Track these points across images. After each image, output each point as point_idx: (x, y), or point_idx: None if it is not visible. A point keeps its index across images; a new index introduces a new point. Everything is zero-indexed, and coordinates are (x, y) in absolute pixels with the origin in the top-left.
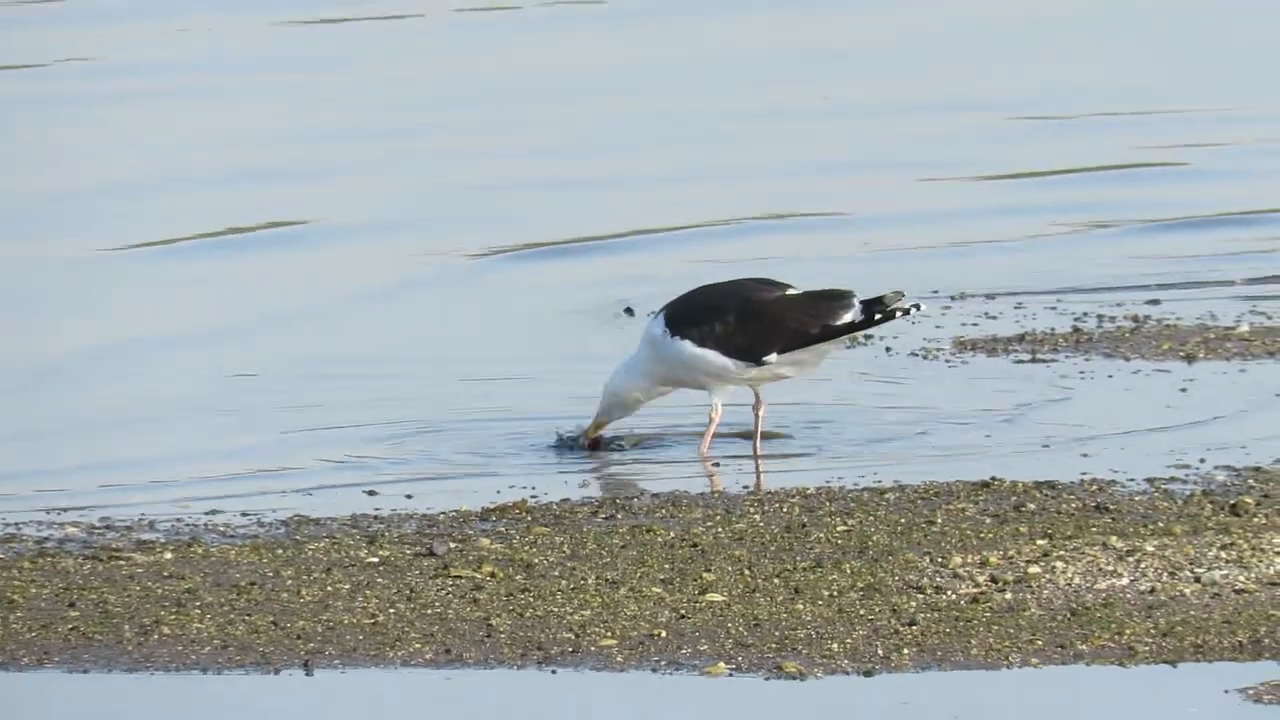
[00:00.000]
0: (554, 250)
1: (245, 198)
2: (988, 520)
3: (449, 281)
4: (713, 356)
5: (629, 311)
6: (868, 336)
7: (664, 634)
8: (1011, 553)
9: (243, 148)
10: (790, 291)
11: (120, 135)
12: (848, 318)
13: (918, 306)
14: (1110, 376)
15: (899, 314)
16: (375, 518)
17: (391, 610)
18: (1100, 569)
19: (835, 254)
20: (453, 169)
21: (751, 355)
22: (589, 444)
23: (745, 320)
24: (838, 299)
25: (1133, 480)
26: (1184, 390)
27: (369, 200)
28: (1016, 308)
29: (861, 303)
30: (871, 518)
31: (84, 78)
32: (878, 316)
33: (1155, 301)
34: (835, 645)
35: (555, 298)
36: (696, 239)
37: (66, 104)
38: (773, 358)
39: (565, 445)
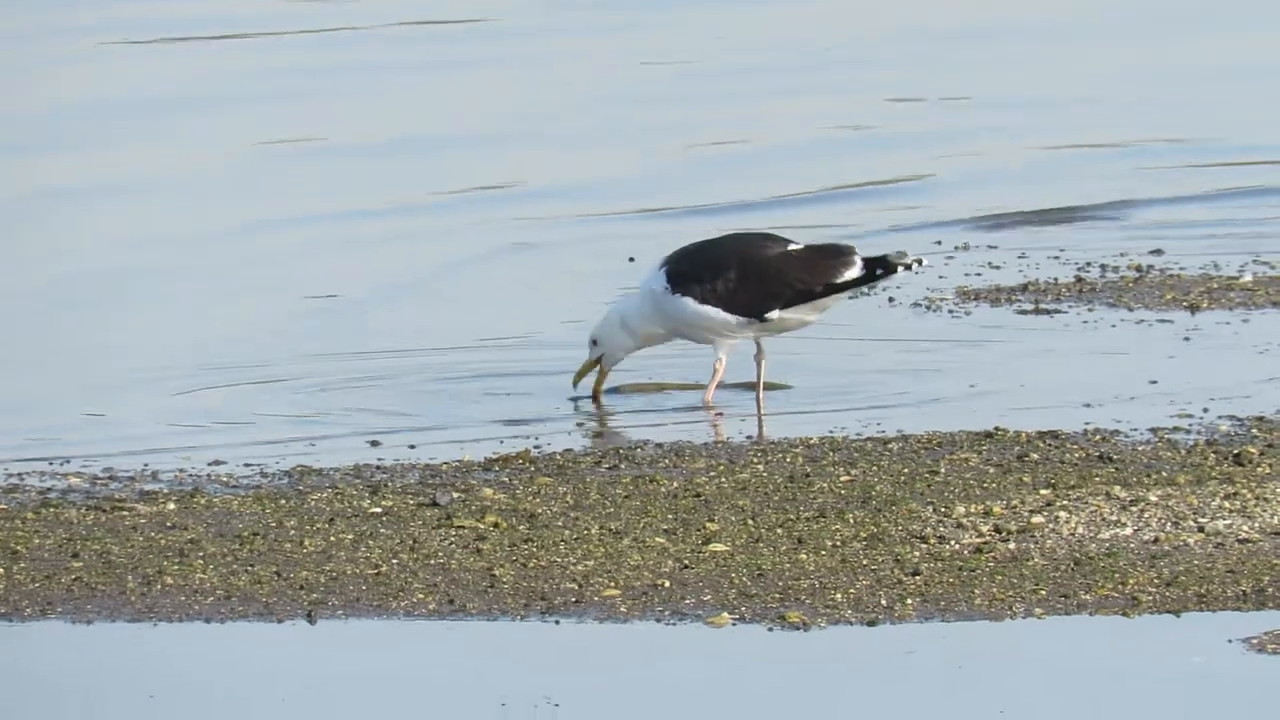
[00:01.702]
0: (565, 220)
1: (276, 167)
2: (991, 470)
3: (455, 240)
4: (714, 313)
5: (632, 260)
6: (870, 289)
7: (667, 584)
8: (1015, 502)
9: (275, 114)
10: (792, 247)
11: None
12: (850, 274)
13: (920, 261)
14: (1113, 326)
15: (901, 269)
16: (378, 468)
17: (395, 560)
18: (1104, 519)
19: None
20: (467, 146)
21: (754, 311)
22: (594, 397)
23: (747, 276)
24: (840, 255)
25: (1136, 430)
26: (1187, 340)
27: (386, 164)
28: (1020, 257)
29: (863, 259)
30: (875, 467)
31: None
32: (879, 273)
33: (1159, 251)
34: (839, 595)
35: (562, 256)
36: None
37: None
38: (775, 314)
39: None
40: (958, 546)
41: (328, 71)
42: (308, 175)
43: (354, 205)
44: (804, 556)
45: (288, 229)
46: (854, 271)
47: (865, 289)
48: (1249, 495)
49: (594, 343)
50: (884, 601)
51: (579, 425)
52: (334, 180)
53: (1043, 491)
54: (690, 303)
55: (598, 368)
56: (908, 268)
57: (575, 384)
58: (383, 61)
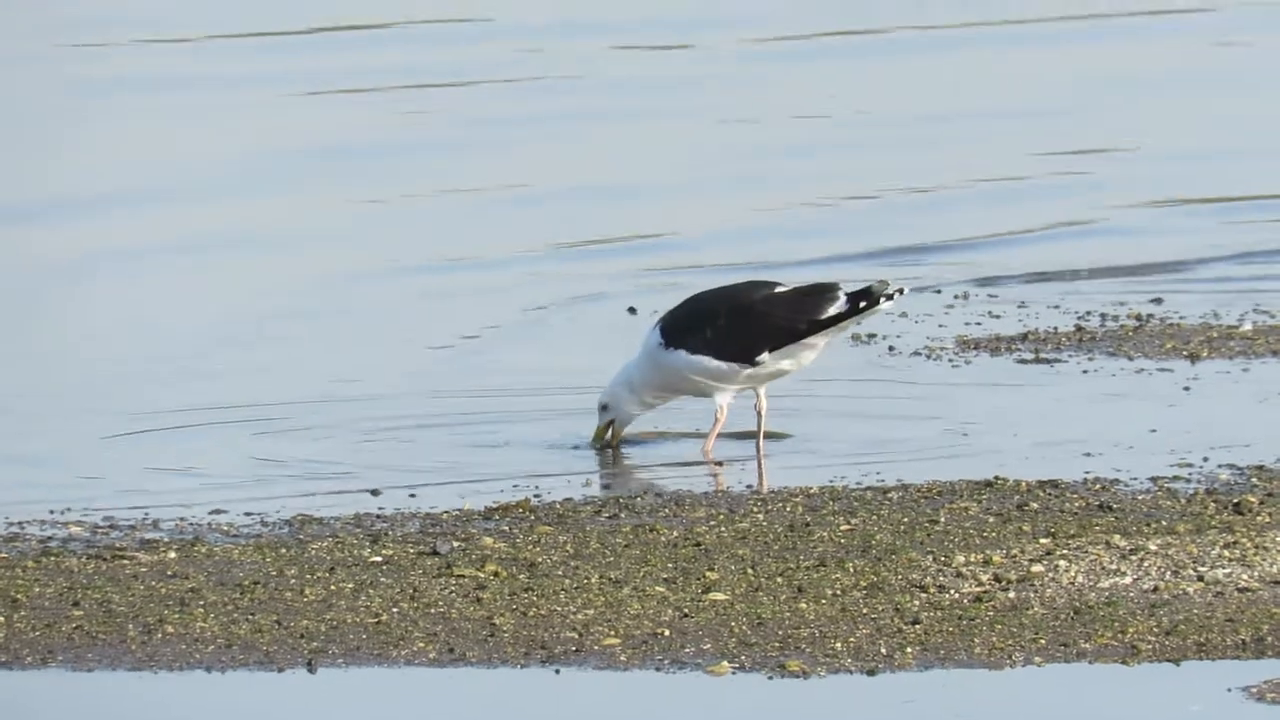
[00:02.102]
0: (564, 252)
1: (262, 199)
2: (991, 519)
3: (452, 282)
4: (708, 362)
5: (632, 311)
6: (870, 335)
7: (667, 633)
8: (1015, 551)
9: (268, 150)
10: (778, 289)
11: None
12: (833, 310)
13: (901, 291)
14: (1113, 375)
15: (883, 300)
16: (378, 517)
17: (395, 609)
18: (1103, 568)
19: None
20: (457, 174)
21: (744, 357)
22: (612, 446)
23: (734, 323)
24: (822, 292)
25: (1136, 479)
26: (1187, 389)
27: (381, 205)
28: (1019, 306)
29: (847, 295)
30: (875, 517)
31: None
32: (863, 305)
33: (1158, 300)
34: (838, 644)
35: (561, 299)
36: (705, 243)
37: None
38: (765, 357)
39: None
40: (957, 595)
41: (518, 121)
42: (442, 222)
43: (444, 256)
44: (804, 605)
45: (343, 279)
46: (838, 307)
47: (852, 324)
48: (1249, 544)
49: (603, 408)
50: (884, 650)
51: (579, 474)
52: (460, 229)
53: (1042, 540)
54: (684, 355)
55: (610, 430)
56: (889, 297)
57: (594, 446)
58: (575, 109)
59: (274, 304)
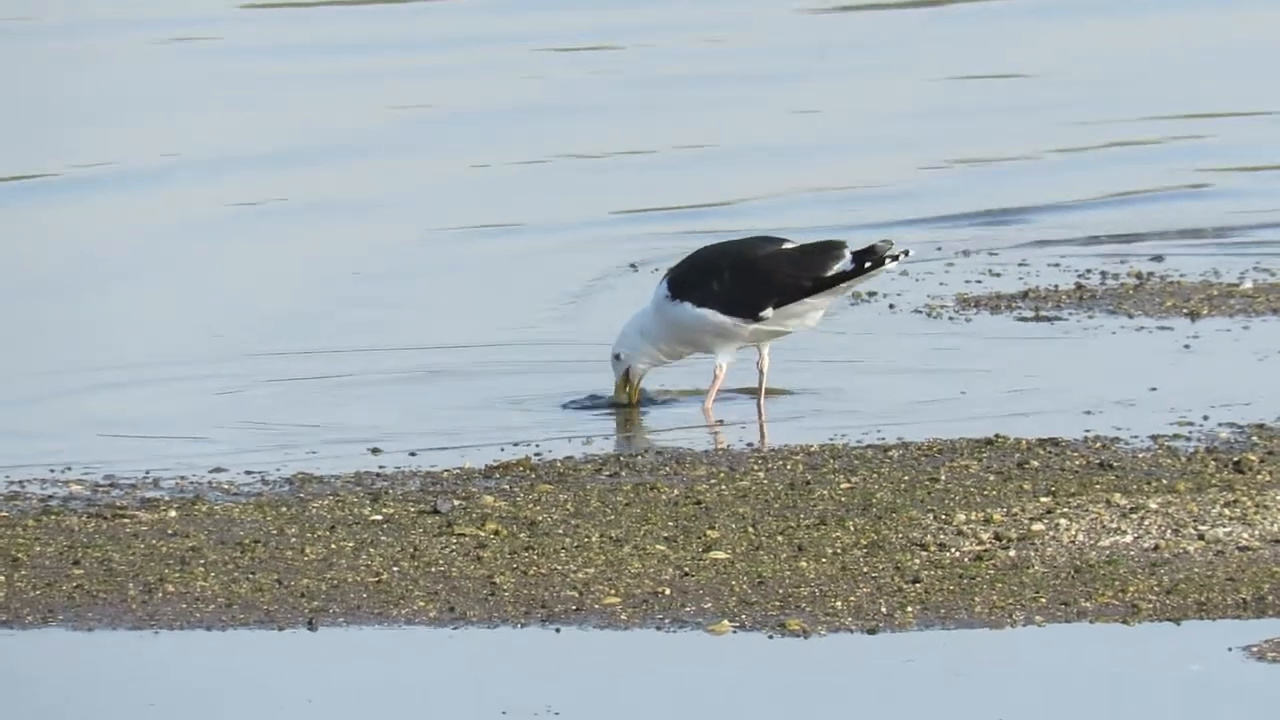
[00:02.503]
0: (567, 223)
1: (259, 166)
2: (991, 477)
3: (454, 244)
4: (712, 316)
5: (633, 267)
6: (870, 293)
7: (668, 592)
8: (1015, 510)
9: (267, 121)
10: (784, 246)
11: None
12: (838, 268)
13: (906, 253)
14: (1114, 333)
15: (889, 261)
16: (379, 475)
17: (395, 568)
18: (1104, 526)
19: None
20: (463, 142)
21: (748, 311)
22: (631, 404)
23: (739, 277)
24: (828, 250)
25: (1136, 437)
26: (1187, 347)
27: (384, 172)
28: (1020, 264)
29: (852, 253)
30: (875, 475)
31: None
32: (868, 265)
33: (1159, 258)
34: (839, 603)
35: (563, 260)
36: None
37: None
38: (769, 312)
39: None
40: (958, 554)
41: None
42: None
43: (552, 219)
44: (804, 564)
45: (341, 237)
46: (843, 265)
47: (858, 282)
48: (1249, 503)
49: (616, 357)
50: (884, 609)
51: (579, 433)
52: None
53: (1043, 499)
54: (689, 308)
55: (629, 383)
56: (894, 258)
57: (615, 402)
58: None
59: (327, 268)
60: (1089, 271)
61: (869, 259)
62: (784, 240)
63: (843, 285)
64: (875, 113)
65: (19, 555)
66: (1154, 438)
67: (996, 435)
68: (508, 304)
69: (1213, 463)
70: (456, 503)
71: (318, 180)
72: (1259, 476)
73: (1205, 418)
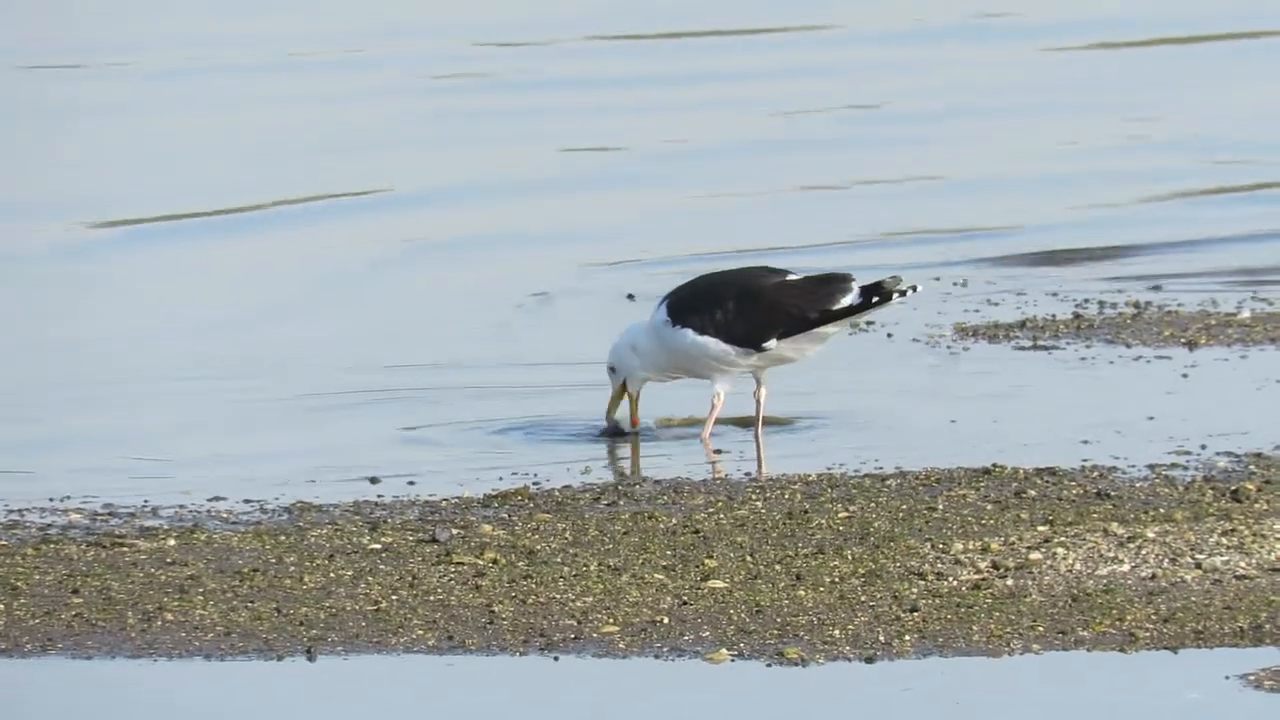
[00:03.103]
0: (557, 237)
1: (247, 177)
2: (989, 507)
3: (446, 266)
4: (713, 344)
5: (630, 298)
6: (869, 322)
7: (666, 620)
8: (1013, 539)
9: (250, 129)
10: (790, 277)
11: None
12: (846, 301)
13: (915, 288)
14: (1111, 363)
15: (896, 296)
16: (378, 504)
17: (394, 597)
18: (1101, 555)
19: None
20: (457, 157)
21: (751, 341)
22: (633, 423)
23: (744, 306)
24: (836, 283)
25: (1134, 466)
26: (1185, 376)
27: (374, 183)
28: (1018, 294)
29: (860, 287)
30: (873, 504)
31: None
32: (875, 300)
33: (1157, 287)
34: (837, 631)
35: (557, 284)
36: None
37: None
38: (772, 343)
39: (611, 434)
40: (955, 583)
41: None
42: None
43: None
44: (802, 593)
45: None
46: (850, 299)
47: (863, 317)
48: (1246, 531)
49: (612, 369)
50: (882, 638)
51: (577, 462)
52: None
53: (1040, 528)
54: (689, 334)
55: (625, 396)
56: (903, 294)
57: (609, 417)
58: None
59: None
60: (1087, 301)
61: (877, 294)
62: (786, 271)
63: (849, 319)
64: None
65: (18, 584)
66: (1151, 467)
67: (994, 464)
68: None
69: (1210, 492)
70: (455, 531)
71: (556, 208)
72: (1256, 505)
73: (1203, 447)
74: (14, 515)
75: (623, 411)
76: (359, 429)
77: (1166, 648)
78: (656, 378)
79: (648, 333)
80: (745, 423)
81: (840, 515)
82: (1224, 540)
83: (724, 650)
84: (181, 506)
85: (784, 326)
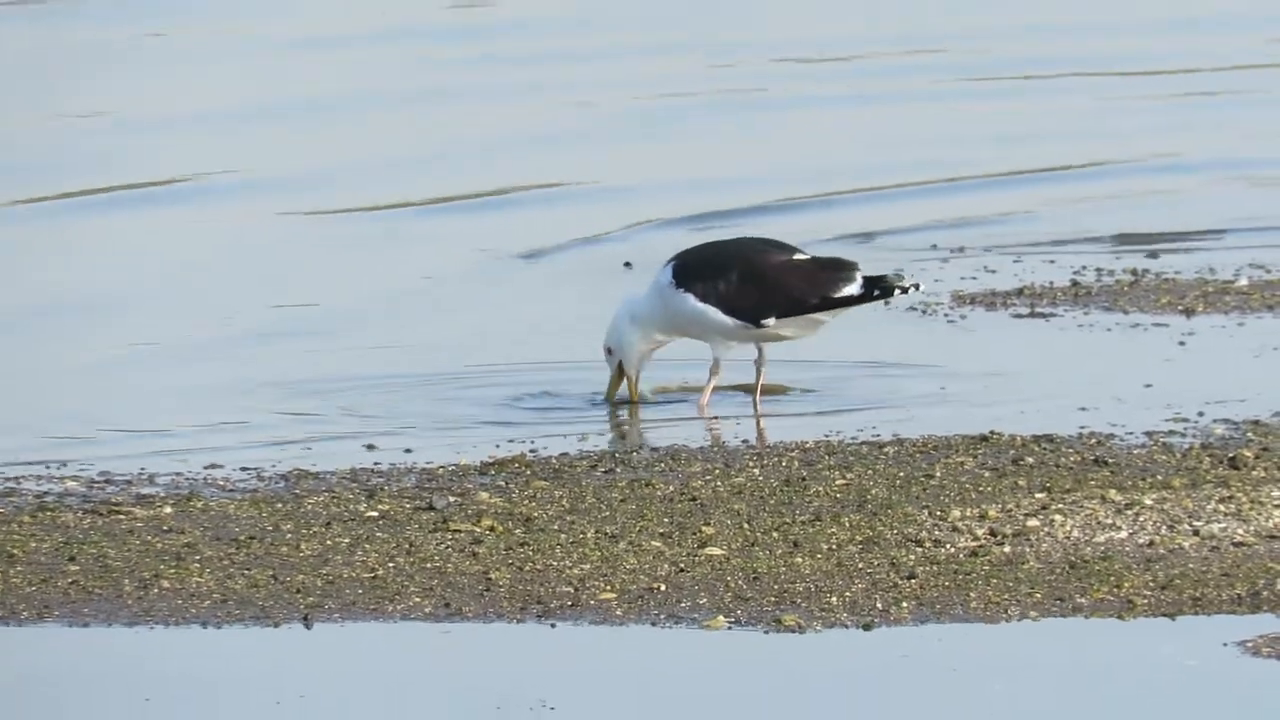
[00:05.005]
0: (554, 200)
1: (242, 143)
2: (986, 474)
3: (444, 233)
4: (713, 313)
5: (628, 265)
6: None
7: (663, 587)
8: (1010, 506)
9: (232, 94)
10: (797, 257)
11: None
12: (847, 290)
13: (918, 286)
14: (1109, 330)
15: (899, 291)
16: (374, 472)
17: (391, 564)
18: (1099, 522)
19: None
20: (440, 122)
21: (750, 316)
22: (632, 402)
23: (748, 281)
24: (841, 270)
25: (1131, 434)
26: (1183, 344)
27: (366, 152)
28: (1015, 261)
29: (864, 278)
30: (870, 471)
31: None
32: (876, 293)
33: (1154, 255)
34: (834, 599)
35: (553, 252)
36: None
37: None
38: (771, 321)
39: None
40: (953, 550)
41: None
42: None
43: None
44: (799, 560)
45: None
46: (853, 289)
47: (864, 306)
48: (1244, 499)
49: (608, 351)
50: (879, 605)
51: (574, 429)
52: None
53: (1038, 495)
54: (691, 299)
55: (624, 378)
56: (905, 290)
57: (609, 400)
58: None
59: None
60: (1084, 268)
61: (878, 287)
62: (795, 249)
63: (848, 308)
64: None
65: (14, 551)
66: (1149, 434)
67: (991, 431)
68: None
69: (1208, 459)
70: (452, 499)
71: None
72: (1254, 473)
73: (1200, 414)
74: (10, 483)
75: (623, 393)
76: (355, 395)
77: (1164, 615)
78: (656, 344)
79: (649, 294)
80: (744, 389)
81: (838, 482)
82: (1221, 507)
83: (721, 617)
84: (178, 474)
85: (784, 307)
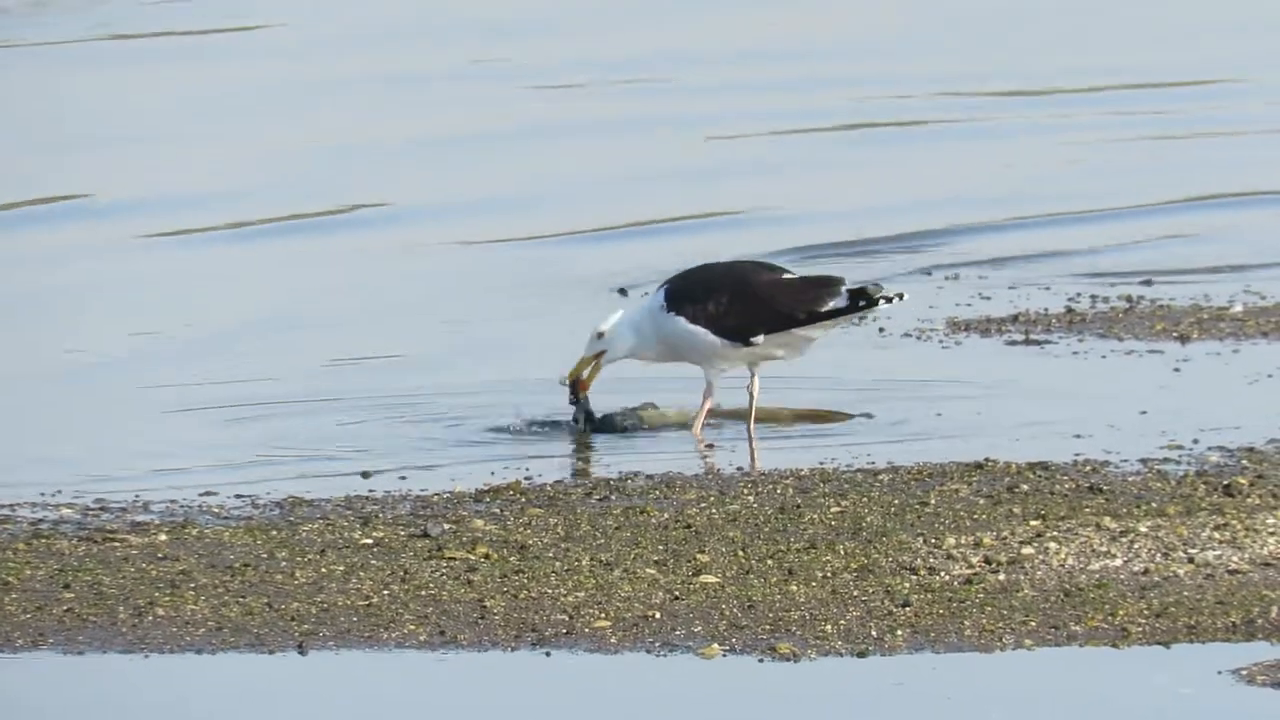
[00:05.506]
0: (551, 238)
1: (240, 189)
2: (981, 501)
3: (438, 266)
4: (703, 334)
5: (622, 292)
6: (861, 318)
7: (658, 615)
8: (1005, 534)
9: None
10: (785, 275)
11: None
12: (833, 304)
13: (901, 296)
14: (1103, 357)
15: (883, 302)
16: (369, 499)
17: (385, 592)
18: (1094, 550)
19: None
20: (447, 160)
21: (739, 335)
22: (571, 385)
23: (735, 301)
24: (826, 285)
25: (1126, 461)
26: (1177, 370)
27: (360, 190)
28: (1010, 288)
29: (848, 291)
30: (865, 499)
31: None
32: (862, 304)
33: (1149, 282)
34: (829, 626)
35: (550, 280)
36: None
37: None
38: (760, 339)
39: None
40: (948, 578)
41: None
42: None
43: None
44: (794, 588)
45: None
46: (838, 301)
47: (850, 320)
48: (1239, 526)
49: (599, 335)
50: (874, 633)
51: (569, 457)
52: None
53: (1033, 523)
54: (681, 322)
55: (594, 364)
56: (888, 300)
57: (570, 378)
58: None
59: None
60: (1079, 295)
61: (863, 298)
62: (783, 269)
63: (835, 321)
64: None
65: (10, 579)
66: (1144, 461)
67: (986, 459)
68: None
69: (1203, 486)
70: (447, 526)
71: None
72: (1249, 500)
73: (1195, 441)
74: (5, 510)
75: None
76: (349, 424)
77: (1159, 642)
78: (644, 359)
79: (646, 315)
80: (737, 417)
81: (832, 510)
82: (1216, 535)
83: (716, 645)
84: (173, 501)
85: (770, 323)
